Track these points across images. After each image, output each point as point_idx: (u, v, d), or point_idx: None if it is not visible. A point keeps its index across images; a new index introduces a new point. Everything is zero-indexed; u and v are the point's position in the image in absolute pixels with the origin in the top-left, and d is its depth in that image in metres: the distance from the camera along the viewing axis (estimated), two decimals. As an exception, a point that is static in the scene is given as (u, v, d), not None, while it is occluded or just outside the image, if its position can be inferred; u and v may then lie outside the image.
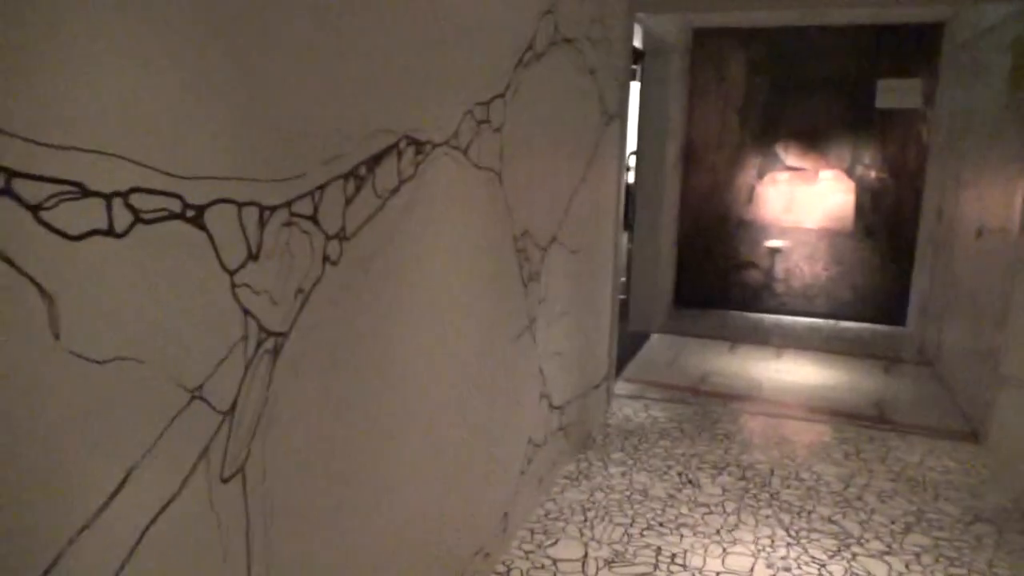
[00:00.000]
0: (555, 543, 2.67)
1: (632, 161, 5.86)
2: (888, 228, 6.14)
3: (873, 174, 6.11)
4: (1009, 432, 3.32)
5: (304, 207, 1.45)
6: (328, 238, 1.54)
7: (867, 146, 6.09)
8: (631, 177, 5.91)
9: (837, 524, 2.89)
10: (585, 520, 2.84)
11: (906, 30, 5.83)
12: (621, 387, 4.48)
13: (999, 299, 3.63)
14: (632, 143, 5.67)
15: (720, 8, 4.98)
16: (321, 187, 1.50)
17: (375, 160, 1.68)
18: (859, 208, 6.19)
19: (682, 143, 6.41)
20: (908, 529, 2.86)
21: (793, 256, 6.42)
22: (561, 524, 2.81)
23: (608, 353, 4.10)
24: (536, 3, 2.55)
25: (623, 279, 5.81)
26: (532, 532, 2.75)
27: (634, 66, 5.89)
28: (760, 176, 6.40)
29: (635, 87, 5.76)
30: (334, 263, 1.56)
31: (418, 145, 1.87)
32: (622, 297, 5.67)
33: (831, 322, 6.31)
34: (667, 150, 5.71)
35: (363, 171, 1.64)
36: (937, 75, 5.79)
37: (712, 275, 6.64)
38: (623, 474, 3.27)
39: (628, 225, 5.85)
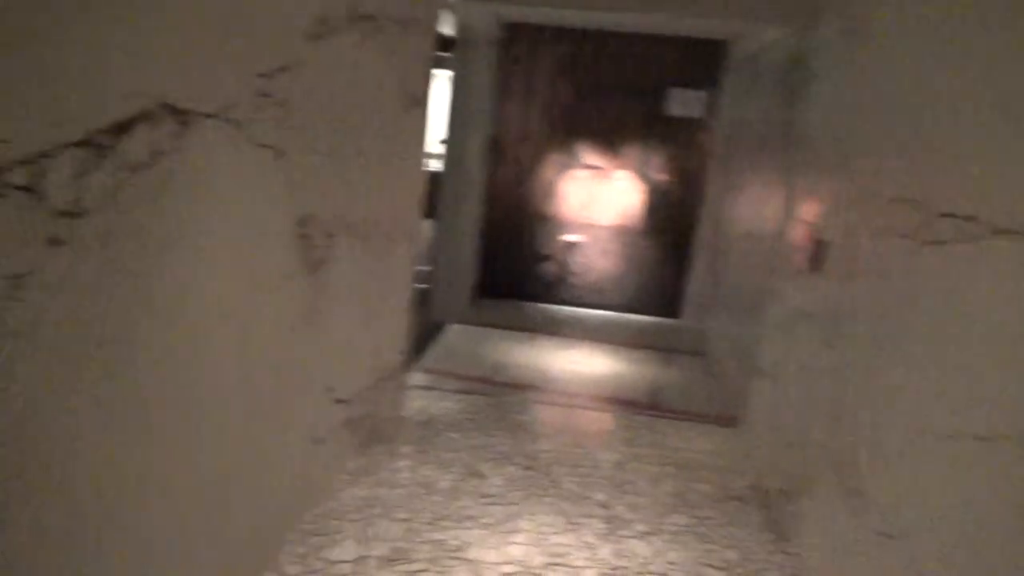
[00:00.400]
0: (332, 544, 2.57)
1: (440, 150, 5.82)
2: (672, 228, 6.61)
3: (661, 176, 6.55)
4: (758, 417, 3.68)
5: (18, 177, 1.23)
6: (55, 215, 1.33)
7: (657, 150, 6.51)
8: (438, 165, 5.87)
9: (610, 508, 3.04)
10: (366, 518, 2.76)
11: (696, 44, 6.28)
12: (417, 378, 4.43)
13: (758, 297, 4.02)
14: (441, 131, 5.63)
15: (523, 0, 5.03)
16: (45, 154, 1.29)
17: (120, 128, 1.48)
18: (648, 208, 6.61)
19: (489, 135, 6.47)
20: (671, 510, 3.08)
21: (588, 251, 6.73)
22: (340, 524, 2.71)
23: (403, 343, 4.03)
24: (328, -26, 2.41)
25: (426, 268, 5.77)
26: (308, 534, 2.62)
27: (445, 54, 5.84)
28: (560, 172, 6.63)
29: (446, 75, 5.72)
30: (63, 244, 1.35)
31: (180, 115, 1.68)
32: (423, 286, 5.62)
33: (620, 315, 6.69)
34: (474, 141, 5.74)
35: (104, 140, 1.44)
36: (720, 88, 6.30)
37: (514, 267, 6.79)
38: (410, 468, 3.23)
39: (432, 214, 5.81)
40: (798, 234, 3.37)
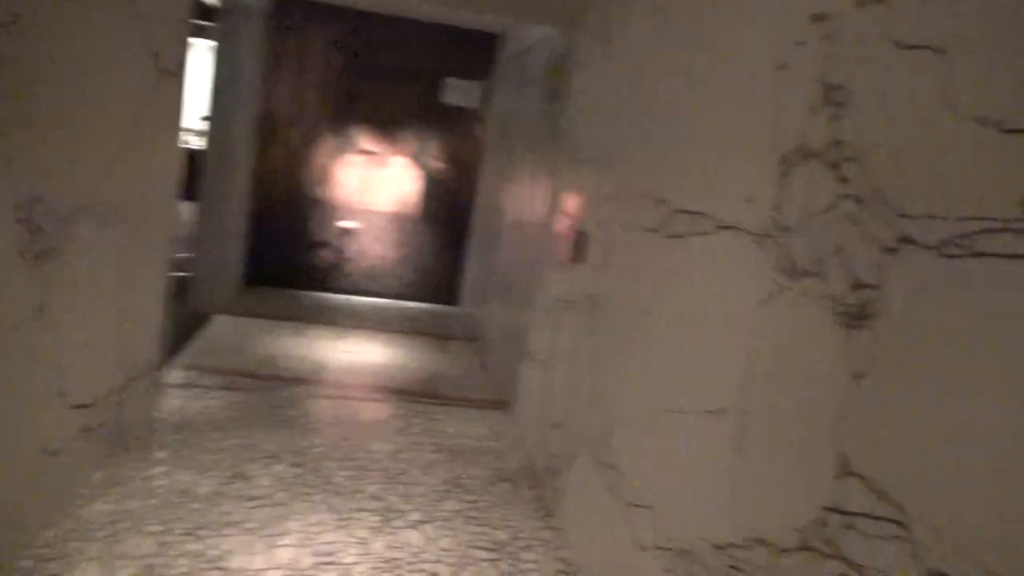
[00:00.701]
0: (70, 569, 2.28)
1: (202, 127, 5.38)
2: (448, 215, 6.70)
3: (437, 164, 6.60)
4: (527, 401, 3.86)
5: None
6: None
7: (433, 138, 6.54)
8: (199, 144, 5.42)
9: (383, 500, 3.02)
10: (112, 535, 2.49)
11: (471, 35, 6.38)
12: (175, 376, 4.08)
13: (526, 285, 4.20)
14: (203, 107, 5.21)
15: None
16: None
17: None
18: (424, 195, 6.63)
19: (258, 114, 6.10)
20: (444, 496, 3.13)
21: (364, 237, 6.62)
22: (82, 544, 2.42)
23: (157, 338, 3.69)
24: (52, -78, 2.10)
25: (187, 255, 5.32)
26: (43, 559, 2.31)
27: (206, 23, 5.40)
28: (335, 157, 6.44)
29: (208, 46, 5.30)
30: None
31: None
32: (182, 274, 5.19)
33: (397, 302, 6.67)
34: (240, 119, 5.38)
35: None
36: (493, 80, 6.47)
37: (285, 253, 6.49)
38: (165, 475, 2.97)
39: (194, 196, 5.37)
40: (562, 225, 3.56)
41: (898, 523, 1.18)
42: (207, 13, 5.37)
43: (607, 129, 3.08)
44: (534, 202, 4.38)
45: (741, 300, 1.77)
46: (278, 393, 4.06)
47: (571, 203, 3.49)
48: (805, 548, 1.40)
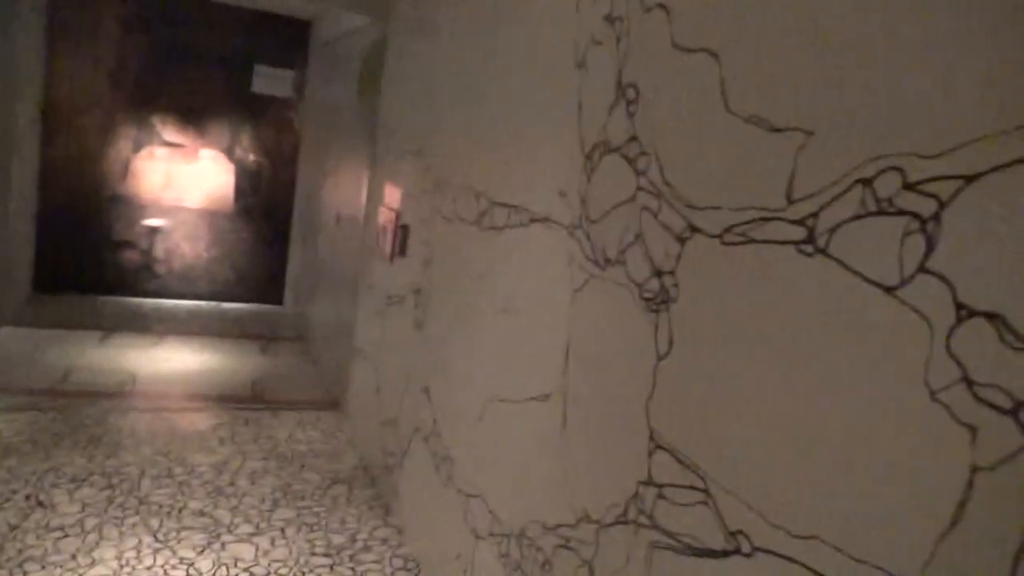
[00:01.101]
0: None
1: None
2: (266, 210, 6.40)
3: (251, 157, 6.28)
4: (359, 399, 3.80)
5: None
6: None
7: (246, 128, 6.22)
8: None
9: (208, 516, 2.86)
10: None
11: (282, 20, 6.11)
12: (-50, 399, 3.61)
13: (352, 280, 4.12)
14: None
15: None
16: None
17: None
18: (239, 190, 6.29)
19: (41, 101, 5.49)
20: (276, 505, 3.01)
21: (174, 236, 6.17)
22: None
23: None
24: None
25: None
26: None
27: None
28: (137, 149, 5.94)
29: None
30: None
31: None
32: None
33: (214, 304, 6.29)
34: (17, 107, 4.80)
35: None
36: (307, 69, 6.24)
37: (83, 256, 5.91)
38: (-56, 514, 2.62)
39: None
40: (384, 219, 3.52)
41: (701, 490, 1.29)
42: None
43: (426, 120, 3.08)
44: (355, 195, 4.30)
45: (558, 289, 1.84)
46: (82, 410, 3.70)
47: (392, 196, 3.46)
48: (624, 521, 1.50)
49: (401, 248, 3.24)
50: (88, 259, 5.93)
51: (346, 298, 4.33)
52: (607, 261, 1.62)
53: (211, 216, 6.24)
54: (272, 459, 3.45)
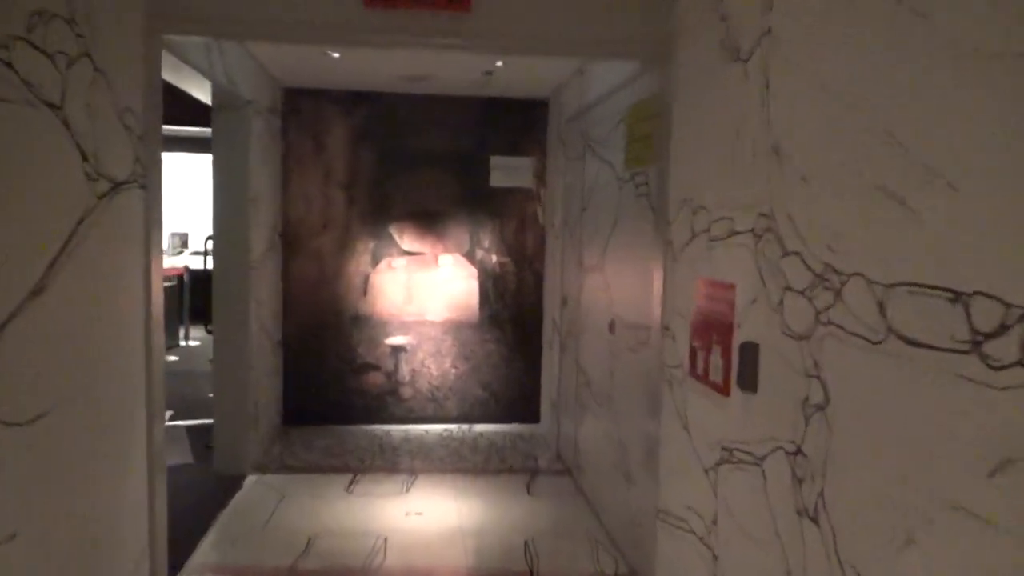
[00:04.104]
0: None
1: (207, 246, 4.46)
2: (513, 316, 5.62)
3: (494, 258, 5.57)
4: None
5: None
6: None
7: (485, 227, 5.54)
8: (202, 265, 4.50)
9: None
10: None
11: (514, 105, 5.45)
12: (183, 590, 3.00)
13: (639, 408, 3.04)
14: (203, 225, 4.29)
15: (269, 37, 3.85)
16: None
17: None
18: (483, 296, 5.58)
19: (278, 224, 5.21)
20: None
21: (418, 354, 5.56)
22: None
23: (147, 528, 2.64)
24: None
25: (214, 397, 4.34)
26: None
27: (203, 128, 4.59)
28: (375, 263, 5.47)
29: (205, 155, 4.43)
30: None
31: None
32: (197, 423, 4.20)
33: (464, 427, 5.53)
34: (253, 231, 4.45)
35: None
36: (546, 152, 5.49)
37: (327, 382, 5.47)
38: None
39: (204, 327, 4.42)
40: (699, 330, 2.42)
41: None
42: (201, 114, 4.56)
43: (767, 181, 1.99)
44: (636, 295, 3.27)
45: None
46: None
47: (715, 297, 2.36)
48: None
49: (747, 378, 2.11)
50: (332, 386, 5.46)
51: (631, 430, 3.26)
52: None
53: (456, 327, 5.56)
54: None
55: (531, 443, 5.17)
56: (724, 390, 2.28)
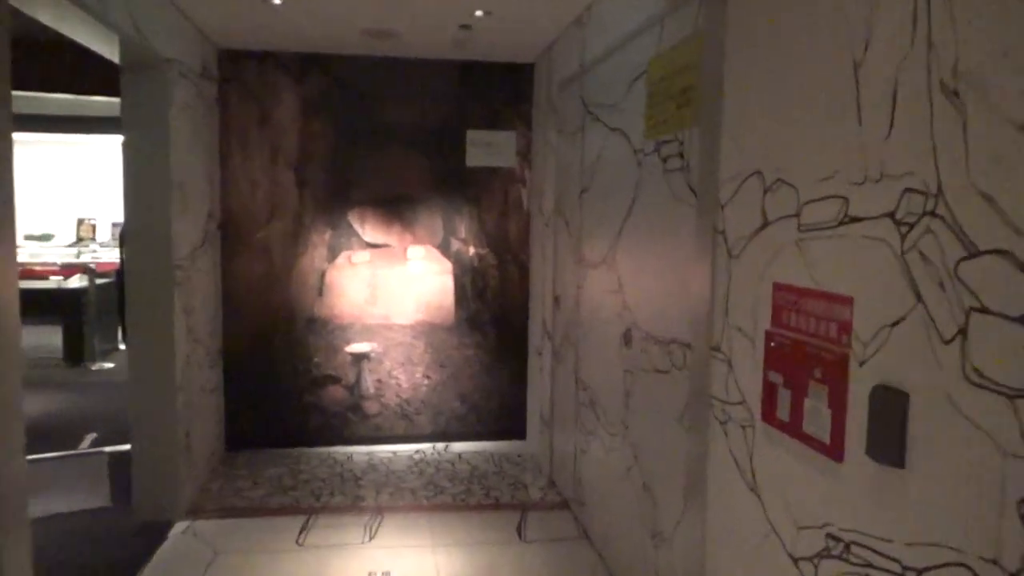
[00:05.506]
0: None
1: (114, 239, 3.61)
2: (495, 318, 4.85)
3: (472, 250, 4.79)
4: None
5: None
6: None
7: (462, 214, 4.76)
8: (110, 261, 3.65)
9: None
10: None
11: (494, 69, 4.66)
12: None
13: (678, 455, 2.30)
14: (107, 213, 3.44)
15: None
16: None
17: None
18: (460, 294, 4.80)
19: (214, 213, 4.37)
20: None
21: (385, 363, 4.76)
22: None
23: None
24: None
25: (132, 428, 3.51)
26: None
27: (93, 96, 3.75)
28: (332, 257, 4.66)
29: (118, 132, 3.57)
30: None
31: None
32: (111, 450, 3.39)
33: (440, 446, 4.76)
34: (178, 224, 3.61)
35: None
36: (531, 126, 4.72)
37: (278, 399, 4.65)
38: None
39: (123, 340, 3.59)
40: (780, 361, 1.67)
41: None
42: (111, 72, 3.68)
43: (904, 140, 1.24)
44: (665, 302, 2.52)
45: None
46: None
47: (812, 314, 1.62)
48: None
49: (886, 444, 1.37)
50: (284, 403, 4.65)
51: (661, 472, 2.52)
52: None
53: (428, 332, 4.78)
54: None
55: (519, 467, 4.42)
56: (833, 453, 1.54)
